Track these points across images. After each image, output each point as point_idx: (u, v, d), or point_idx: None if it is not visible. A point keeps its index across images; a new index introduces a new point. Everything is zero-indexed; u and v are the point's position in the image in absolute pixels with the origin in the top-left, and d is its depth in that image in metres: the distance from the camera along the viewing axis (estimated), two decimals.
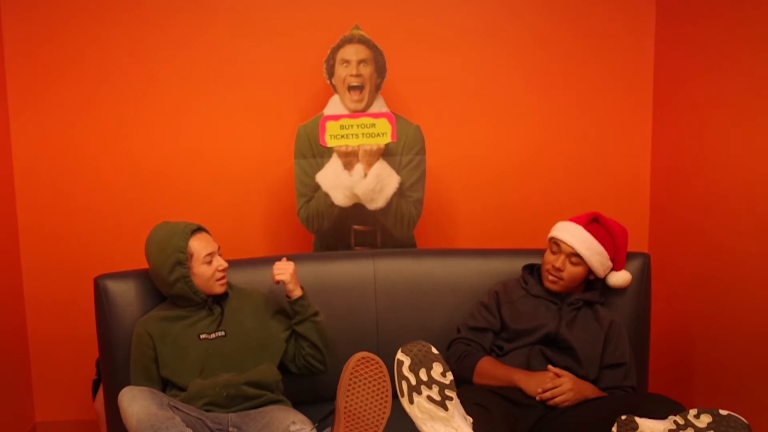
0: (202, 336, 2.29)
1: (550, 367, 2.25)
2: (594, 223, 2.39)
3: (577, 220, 2.40)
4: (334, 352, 2.42)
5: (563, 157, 3.14)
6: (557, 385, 2.20)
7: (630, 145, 3.13)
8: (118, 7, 3.00)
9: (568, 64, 3.09)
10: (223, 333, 2.30)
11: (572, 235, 2.35)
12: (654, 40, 3.06)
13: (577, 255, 2.33)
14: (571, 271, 2.35)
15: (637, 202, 3.16)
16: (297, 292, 2.36)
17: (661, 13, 3.02)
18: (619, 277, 2.44)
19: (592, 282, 2.44)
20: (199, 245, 2.29)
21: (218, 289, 2.32)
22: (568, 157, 3.14)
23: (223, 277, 2.32)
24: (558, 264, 2.35)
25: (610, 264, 2.40)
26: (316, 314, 2.37)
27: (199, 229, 2.33)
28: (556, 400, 2.19)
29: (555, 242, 2.38)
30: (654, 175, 3.13)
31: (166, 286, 2.30)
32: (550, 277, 2.38)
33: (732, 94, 2.50)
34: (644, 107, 3.11)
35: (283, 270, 2.35)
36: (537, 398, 2.20)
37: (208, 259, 2.28)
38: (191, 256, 2.27)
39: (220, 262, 2.31)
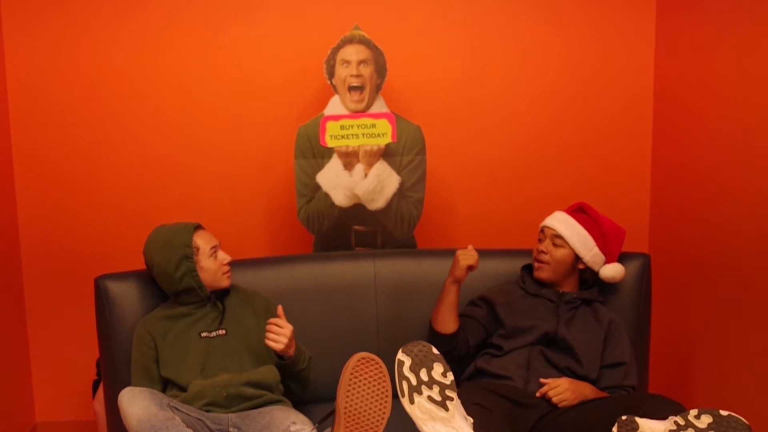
0: (203, 334, 2.29)
1: (541, 380, 2.27)
2: (579, 212, 2.50)
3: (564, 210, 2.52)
4: (334, 353, 2.42)
5: (564, 157, 3.14)
6: (553, 387, 2.21)
7: (631, 145, 3.14)
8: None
9: (567, 63, 3.09)
10: (223, 331, 2.31)
11: (554, 218, 2.47)
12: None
13: (559, 236, 2.41)
14: (556, 254, 2.41)
15: (637, 202, 3.16)
16: (289, 353, 2.24)
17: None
18: (611, 269, 2.45)
19: (583, 271, 2.45)
20: (202, 240, 2.33)
21: (225, 282, 2.36)
22: (569, 158, 3.14)
23: (229, 270, 2.36)
24: (542, 247, 2.43)
25: (597, 250, 2.43)
26: (302, 370, 2.30)
27: (198, 227, 2.37)
28: (554, 399, 2.20)
29: (541, 230, 2.48)
30: (654, 176, 3.13)
31: (173, 283, 2.30)
32: (536, 264, 2.45)
33: (732, 92, 2.51)
34: (645, 109, 3.12)
35: (277, 338, 2.17)
36: (537, 394, 2.21)
37: (212, 252, 2.33)
38: (197, 250, 2.31)
39: (223, 256, 2.36)
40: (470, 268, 2.32)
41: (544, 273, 2.42)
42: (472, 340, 2.40)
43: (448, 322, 2.35)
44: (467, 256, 2.33)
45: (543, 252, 2.42)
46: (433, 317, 2.40)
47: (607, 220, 2.47)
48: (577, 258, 2.42)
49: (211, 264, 2.32)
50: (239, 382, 2.20)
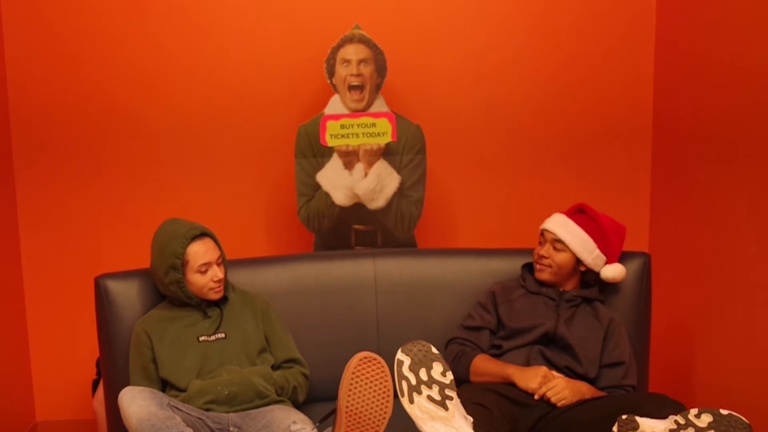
0: (202, 338, 2.27)
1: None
2: (578, 213, 2.48)
3: (563, 212, 2.50)
4: (333, 352, 2.42)
5: (564, 157, 3.14)
6: (550, 387, 2.21)
7: (631, 145, 3.13)
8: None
9: (567, 62, 3.09)
10: (223, 335, 2.29)
11: (554, 222, 2.44)
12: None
13: (560, 241, 2.39)
14: (557, 258, 2.40)
15: (637, 202, 3.16)
16: None
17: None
18: (612, 270, 2.44)
19: (585, 273, 2.45)
20: (197, 252, 2.24)
21: (213, 296, 2.29)
22: (569, 158, 3.14)
23: (217, 287, 2.28)
24: (542, 252, 2.41)
25: (598, 252, 2.42)
26: (289, 398, 2.30)
27: (203, 234, 2.28)
28: (553, 399, 2.19)
29: (541, 233, 2.46)
30: (654, 175, 3.13)
31: (162, 287, 2.30)
32: (537, 266, 2.44)
33: (732, 90, 2.51)
34: (645, 108, 3.12)
35: None
36: (535, 397, 2.21)
37: (203, 268, 2.25)
38: (186, 262, 2.24)
39: (215, 273, 2.26)
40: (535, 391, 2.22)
41: (545, 275, 2.42)
42: (485, 348, 2.41)
43: (485, 380, 2.33)
44: (550, 389, 2.19)
45: (544, 257, 2.41)
46: (473, 375, 2.33)
47: (607, 219, 2.47)
48: (578, 261, 2.41)
49: (198, 279, 2.25)
50: (242, 377, 2.19)
